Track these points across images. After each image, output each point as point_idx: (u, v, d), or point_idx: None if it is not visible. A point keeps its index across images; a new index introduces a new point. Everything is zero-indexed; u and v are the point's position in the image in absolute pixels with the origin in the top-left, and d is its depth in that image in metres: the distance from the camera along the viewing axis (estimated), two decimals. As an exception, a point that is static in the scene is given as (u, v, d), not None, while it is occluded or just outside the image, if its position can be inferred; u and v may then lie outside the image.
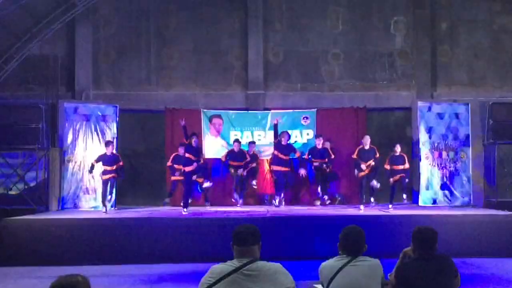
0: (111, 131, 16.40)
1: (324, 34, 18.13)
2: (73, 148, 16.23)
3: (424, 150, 16.48)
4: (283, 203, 15.85)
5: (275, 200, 15.84)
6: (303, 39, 18.12)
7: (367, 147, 15.48)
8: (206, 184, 15.52)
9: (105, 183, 15.09)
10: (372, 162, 15.36)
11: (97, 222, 13.38)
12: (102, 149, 16.07)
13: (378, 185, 15.41)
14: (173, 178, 16.09)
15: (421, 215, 13.81)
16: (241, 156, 16.09)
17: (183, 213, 14.11)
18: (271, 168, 16.34)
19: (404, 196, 15.63)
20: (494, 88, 17.96)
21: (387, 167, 15.53)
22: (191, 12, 18.03)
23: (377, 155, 15.56)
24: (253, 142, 16.68)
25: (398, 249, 5.52)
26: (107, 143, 15.29)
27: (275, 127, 15.71)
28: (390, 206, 15.08)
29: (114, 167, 15.06)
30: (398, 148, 15.45)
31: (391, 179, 15.48)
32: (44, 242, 12.45)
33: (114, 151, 15.31)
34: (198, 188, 16.19)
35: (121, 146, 16.42)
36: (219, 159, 16.66)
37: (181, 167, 15.21)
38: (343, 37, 18.18)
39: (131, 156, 17.32)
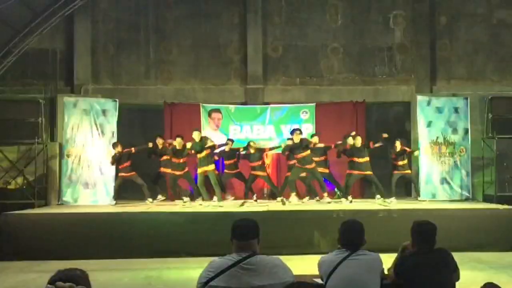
0: (111, 126, 16.38)
1: (323, 28, 18.12)
2: (72, 142, 16.20)
3: (424, 144, 16.46)
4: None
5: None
6: (302, 33, 18.10)
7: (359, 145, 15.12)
8: None
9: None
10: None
11: (97, 216, 13.39)
12: (101, 144, 16.08)
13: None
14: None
15: (421, 209, 13.82)
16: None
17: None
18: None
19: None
20: (493, 82, 17.96)
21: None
22: (190, 6, 18.01)
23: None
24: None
25: (397, 243, 5.53)
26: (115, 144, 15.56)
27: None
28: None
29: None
30: (398, 144, 15.28)
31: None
32: (43, 236, 12.47)
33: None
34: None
35: (120, 140, 16.38)
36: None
37: None
38: (342, 31, 18.17)
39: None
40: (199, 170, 14.69)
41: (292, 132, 14.87)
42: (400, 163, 15.32)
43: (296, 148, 14.62)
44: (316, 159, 14.86)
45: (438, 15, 18.23)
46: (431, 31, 18.15)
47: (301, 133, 14.87)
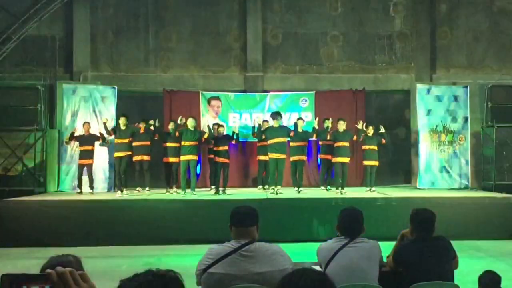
0: (109, 113, 16.35)
1: (323, 16, 18.06)
2: (72, 129, 16.17)
3: (423, 132, 16.47)
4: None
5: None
6: (302, 20, 18.04)
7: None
8: None
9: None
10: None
11: (96, 203, 13.42)
12: (100, 131, 16.05)
13: None
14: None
15: (420, 197, 13.85)
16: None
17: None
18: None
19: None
20: (493, 70, 17.92)
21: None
22: (189, -7, 17.97)
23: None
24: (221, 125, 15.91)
25: (396, 231, 5.54)
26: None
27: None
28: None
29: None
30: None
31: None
32: (43, 223, 12.51)
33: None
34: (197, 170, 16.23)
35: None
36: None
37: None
38: (342, 19, 18.10)
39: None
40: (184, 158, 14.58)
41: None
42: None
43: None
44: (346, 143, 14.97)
45: (438, 3, 18.16)
46: (431, 19, 18.09)
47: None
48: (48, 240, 11.79)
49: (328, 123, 15.32)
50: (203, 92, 17.22)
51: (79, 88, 16.53)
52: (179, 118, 14.77)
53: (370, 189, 14.98)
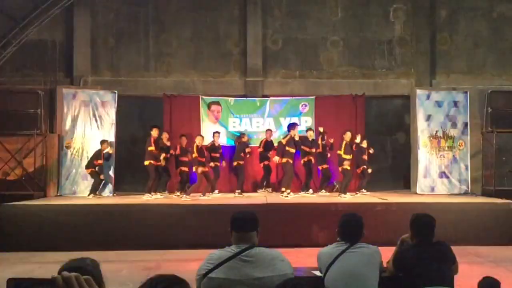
0: (110, 117, 16.37)
1: (323, 21, 18.08)
2: (72, 134, 16.21)
3: (423, 138, 16.48)
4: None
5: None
6: (302, 26, 18.06)
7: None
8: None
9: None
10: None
11: (95, 208, 13.40)
12: (100, 136, 16.06)
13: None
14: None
15: (419, 202, 13.84)
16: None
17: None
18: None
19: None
20: (493, 76, 17.94)
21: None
22: (190, -2, 18.00)
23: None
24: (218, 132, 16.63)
25: (396, 236, 5.53)
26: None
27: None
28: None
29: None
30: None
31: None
32: (42, 228, 12.49)
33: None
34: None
35: (119, 132, 16.41)
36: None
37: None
38: (342, 24, 18.13)
39: (129, 142, 17.35)
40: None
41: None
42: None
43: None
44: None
45: (438, 9, 18.19)
46: (431, 25, 18.12)
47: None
48: (47, 245, 11.80)
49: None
50: (203, 97, 17.26)
51: (79, 92, 16.55)
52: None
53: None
